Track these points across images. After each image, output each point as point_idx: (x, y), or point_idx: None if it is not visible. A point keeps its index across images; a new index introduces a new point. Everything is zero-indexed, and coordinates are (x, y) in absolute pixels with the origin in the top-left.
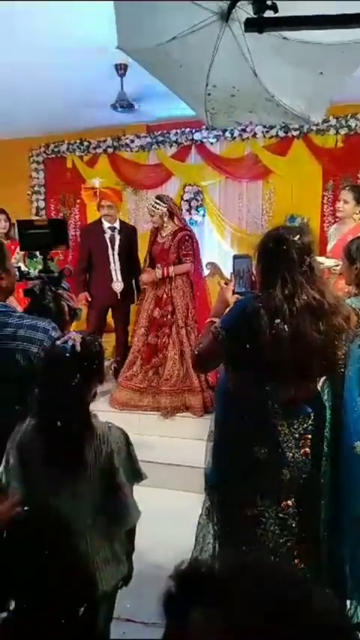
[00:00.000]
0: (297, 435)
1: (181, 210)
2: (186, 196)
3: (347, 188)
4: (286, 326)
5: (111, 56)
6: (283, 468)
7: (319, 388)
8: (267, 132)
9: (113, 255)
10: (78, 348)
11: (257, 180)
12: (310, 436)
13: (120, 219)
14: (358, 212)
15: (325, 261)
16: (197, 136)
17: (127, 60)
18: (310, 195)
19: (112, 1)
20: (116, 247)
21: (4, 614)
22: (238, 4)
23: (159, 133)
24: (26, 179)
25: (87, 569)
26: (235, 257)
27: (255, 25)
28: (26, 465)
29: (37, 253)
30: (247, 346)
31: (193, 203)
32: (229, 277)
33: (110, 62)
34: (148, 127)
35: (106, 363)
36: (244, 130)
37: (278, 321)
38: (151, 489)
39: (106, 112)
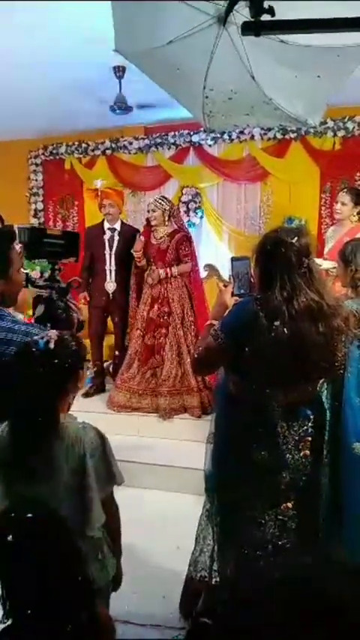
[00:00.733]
0: (297, 437)
1: (179, 212)
2: (184, 198)
3: (344, 190)
4: (285, 328)
5: (109, 58)
6: (282, 470)
7: (318, 390)
8: (265, 134)
9: (110, 255)
10: (52, 345)
11: (255, 183)
12: (310, 438)
13: (122, 221)
14: (355, 214)
15: (323, 263)
16: (195, 138)
17: (125, 62)
18: (308, 197)
19: (110, 3)
20: (114, 248)
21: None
22: (236, 7)
23: (157, 135)
24: (25, 181)
25: (80, 572)
26: (233, 259)
27: (252, 28)
28: (2, 466)
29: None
30: (247, 349)
31: (191, 205)
32: (226, 279)
33: (108, 64)
34: (146, 129)
35: (104, 365)
36: (241, 133)
37: (277, 323)
38: (150, 491)
39: (104, 114)
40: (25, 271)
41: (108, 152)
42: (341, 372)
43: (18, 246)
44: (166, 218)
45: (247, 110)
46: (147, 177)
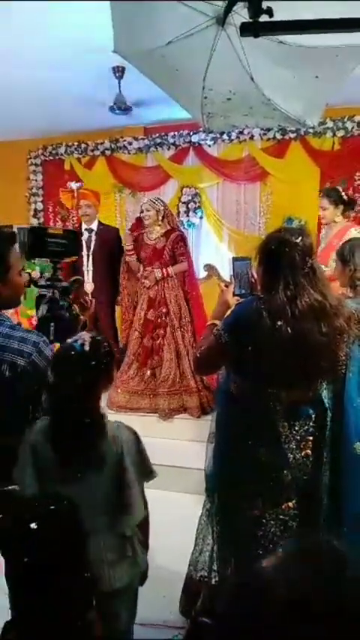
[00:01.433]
0: (298, 437)
1: (179, 212)
2: (184, 198)
3: (322, 195)
4: (288, 327)
5: (109, 59)
6: (284, 469)
7: (319, 389)
8: (264, 134)
9: (87, 256)
10: (87, 347)
11: (255, 183)
12: (311, 438)
13: (100, 221)
14: (338, 215)
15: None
16: (195, 139)
17: (124, 63)
18: (308, 197)
19: (109, 3)
20: (91, 249)
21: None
22: (234, 8)
23: (157, 135)
24: (24, 181)
25: (93, 570)
26: (234, 259)
27: (250, 29)
28: (39, 464)
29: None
30: (249, 348)
31: (191, 205)
32: (226, 279)
33: (108, 65)
34: (145, 129)
35: None
36: (241, 133)
37: (280, 322)
38: (150, 491)
39: (104, 114)
40: (26, 272)
41: (107, 152)
42: (343, 371)
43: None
44: (160, 218)
45: (246, 111)
46: (147, 177)
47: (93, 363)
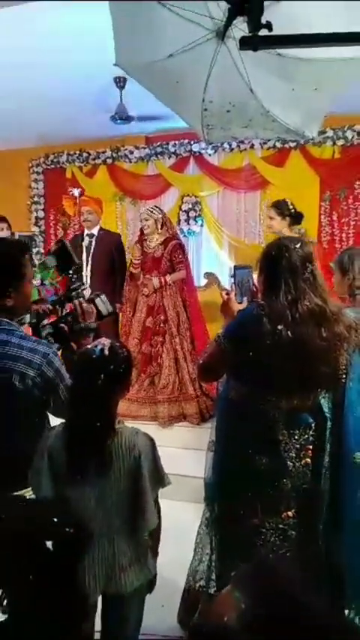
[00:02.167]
0: (298, 446)
1: (180, 220)
2: (184, 207)
3: (270, 205)
4: (288, 331)
5: (111, 69)
6: (284, 478)
7: (319, 397)
8: (264, 143)
9: (87, 261)
10: (107, 352)
11: (255, 191)
12: (311, 446)
13: (101, 227)
14: (285, 227)
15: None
16: (195, 148)
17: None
18: (308, 206)
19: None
20: (90, 254)
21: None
22: (234, 22)
23: (158, 144)
24: (26, 189)
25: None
26: (235, 267)
27: (250, 43)
28: (55, 469)
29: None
30: (250, 354)
31: (192, 213)
32: (227, 287)
33: (110, 75)
34: (147, 138)
35: None
36: (242, 142)
37: (281, 327)
38: None
39: (105, 123)
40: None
41: (109, 161)
42: (343, 380)
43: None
44: (159, 227)
45: (245, 122)
46: (147, 186)
47: (112, 367)
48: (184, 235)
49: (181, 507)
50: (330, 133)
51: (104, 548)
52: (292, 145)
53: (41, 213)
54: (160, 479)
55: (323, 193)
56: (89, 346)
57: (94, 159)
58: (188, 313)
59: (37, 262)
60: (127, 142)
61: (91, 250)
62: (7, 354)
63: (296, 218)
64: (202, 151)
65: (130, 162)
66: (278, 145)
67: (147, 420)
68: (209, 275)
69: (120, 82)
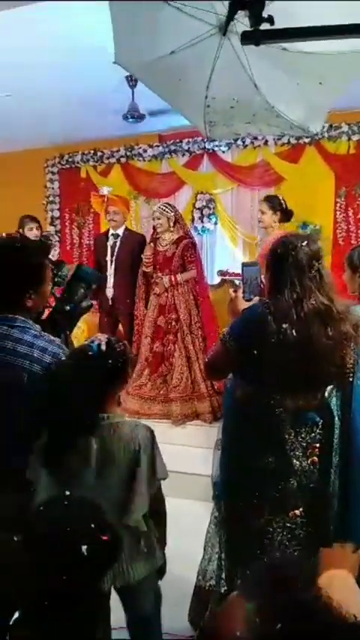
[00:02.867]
0: (304, 444)
1: (193, 218)
2: (198, 204)
3: (263, 199)
4: (293, 330)
5: (122, 68)
6: (290, 476)
7: (332, 397)
8: (279, 139)
9: (111, 261)
10: (103, 347)
11: (269, 188)
12: (318, 445)
13: (127, 227)
14: (275, 221)
15: None
16: (209, 145)
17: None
18: (323, 202)
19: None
20: (115, 254)
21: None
22: (236, 17)
23: (171, 142)
24: (41, 189)
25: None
26: (243, 264)
27: (251, 37)
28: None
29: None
30: (254, 352)
31: (205, 211)
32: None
33: (122, 74)
34: (160, 136)
35: None
36: (255, 138)
37: (285, 325)
38: None
39: (118, 122)
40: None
41: (123, 160)
42: (350, 379)
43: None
44: (171, 225)
45: (249, 118)
46: (161, 184)
47: (110, 362)
48: (198, 233)
49: (192, 505)
50: (345, 128)
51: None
52: (307, 140)
53: (57, 213)
54: (157, 470)
55: (338, 189)
56: (86, 342)
57: (108, 158)
58: (200, 312)
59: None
60: (140, 140)
61: (116, 250)
62: (17, 351)
63: (286, 214)
64: (216, 148)
65: (144, 160)
66: (293, 140)
67: (160, 417)
68: (223, 273)
69: (131, 81)
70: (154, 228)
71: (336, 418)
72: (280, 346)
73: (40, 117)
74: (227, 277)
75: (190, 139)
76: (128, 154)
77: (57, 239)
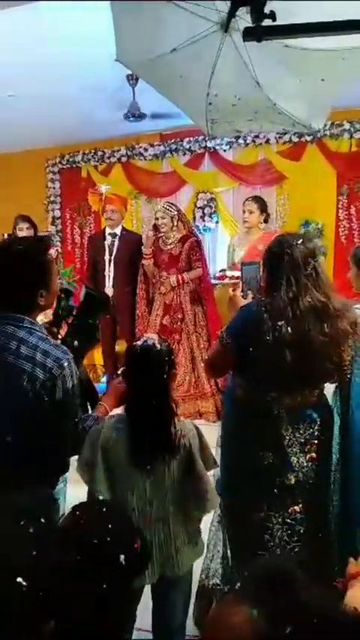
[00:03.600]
0: (302, 440)
1: (195, 217)
2: (199, 203)
3: (251, 198)
4: (289, 327)
5: (123, 67)
6: (287, 473)
7: (332, 394)
8: (280, 137)
9: (109, 261)
10: (158, 346)
11: (271, 186)
12: (316, 441)
13: (123, 227)
14: (262, 221)
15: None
16: (210, 144)
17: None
18: (325, 200)
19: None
20: (113, 253)
21: None
22: (238, 13)
23: (172, 141)
24: (43, 189)
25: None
26: (243, 264)
27: (253, 34)
28: (110, 462)
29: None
30: (251, 350)
31: (207, 210)
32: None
33: (122, 73)
34: (161, 135)
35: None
36: (257, 137)
37: (281, 323)
38: None
39: (119, 121)
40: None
41: (124, 159)
42: (348, 375)
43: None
44: (175, 223)
45: (251, 115)
46: (162, 183)
47: (166, 359)
48: (200, 232)
49: None
50: (347, 126)
51: (160, 533)
52: (309, 138)
53: (58, 213)
54: (210, 461)
55: (340, 187)
56: (139, 342)
57: (109, 157)
58: (205, 310)
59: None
60: (141, 139)
61: (114, 250)
62: (20, 352)
63: (267, 217)
64: (217, 147)
65: (145, 159)
66: (294, 139)
67: None
68: (224, 272)
69: (132, 80)
70: (156, 227)
71: (335, 415)
72: (276, 344)
73: (40, 117)
74: (227, 278)
75: (191, 138)
76: (129, 153)
77: (58, 239)
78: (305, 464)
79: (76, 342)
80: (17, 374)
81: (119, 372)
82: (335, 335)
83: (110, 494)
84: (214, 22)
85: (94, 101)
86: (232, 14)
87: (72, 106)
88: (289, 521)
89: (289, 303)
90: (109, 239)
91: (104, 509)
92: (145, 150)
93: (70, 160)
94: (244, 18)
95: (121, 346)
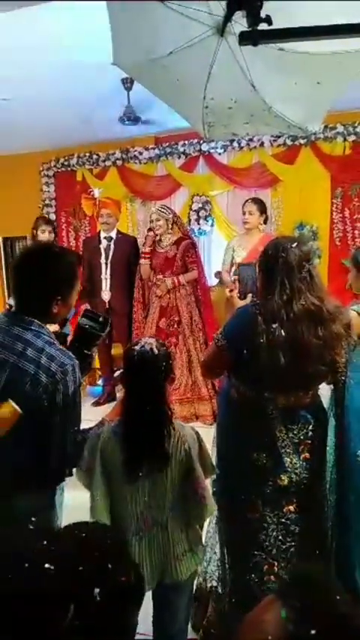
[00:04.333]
0: (296, 441)
1: (190, 220)
2: (194, 206)
3: (250, 200)
4: (282, 330)
5: (118, 71)
6: (281, 473)
7: (328, 396)
8: (274, 141)
9: (106, 264)
10: (155, 350)
11: (265, 189)
12: (310, 442)
13: (118, 230)
14: (261, 222)
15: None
16: (205, 147)
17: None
18: (319, 202)
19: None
20: (109, 257)
21: None
22: (234, 17)
23: (167, 144)
24: (37, 193)
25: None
26: (239, 265)
27: (249, 38)
28: (108, 466)
29: None
30: (245, 351)
31: (202, 213)
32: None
33: (117, 76)
34: (156, 138)
35: (115, 374)
36: (251, 140)
37: (275, 325)
38: None
39: (114, 125)
40: None
41: (119, 163)
42: (342, 377)
43: None
44: (170, 226)
45: (247, 119)
46: (157, 186)
47: (163, 363)
48: (195, 235)
49: None
50: (340, 129)
51: (159, 539)
52: (303, 141)
53: (53, 216)
54: (209, 467)
55: (334, 190)
56: (136, 347)
57: (104, 161)
58: (201, 313)
59: None
60: (136, 143)
61: (110, 254)
62: (26, 355)
63: (266, 218)
64: (212, 150)
65: (140, 163)
66: (288, 142)
67: None
68: (220, 274)
69: (127, 83)
70: (151, 230)
71: (328, 416)
72: (270, 346)
73: (35, 120)
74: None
75: (186, 142)
76: (124, 156)
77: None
78: (299, 464)
79: None
80: (20, 376)
81: (115, 375)
82: (329, 338)
83: (108, 498)
84: (210, 26)
85: (89, 104)
86: (228, 18)
87: (67, 110)
88: (283, 520)
89: (283, 306)
90: (104, 243)
91: (100, 538)
92: (140, 153)
93: (65, 163)
94: (239, 22)
95: (116, 349)
